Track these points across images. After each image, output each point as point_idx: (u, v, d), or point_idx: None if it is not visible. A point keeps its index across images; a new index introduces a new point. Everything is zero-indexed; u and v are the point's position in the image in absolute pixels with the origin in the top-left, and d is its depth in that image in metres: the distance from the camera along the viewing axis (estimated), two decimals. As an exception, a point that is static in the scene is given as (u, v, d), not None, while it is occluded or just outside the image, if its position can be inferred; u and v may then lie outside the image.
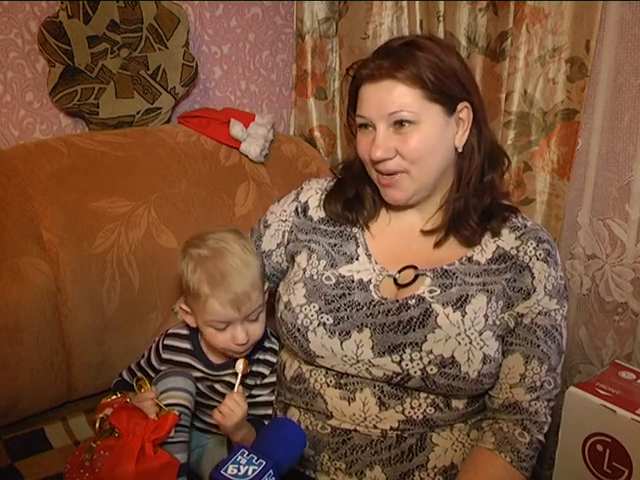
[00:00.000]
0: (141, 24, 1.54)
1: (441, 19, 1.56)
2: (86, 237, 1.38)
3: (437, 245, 1.20)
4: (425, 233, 1.21)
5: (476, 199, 1.18)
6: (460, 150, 1.17)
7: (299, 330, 1.17)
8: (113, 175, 1.45)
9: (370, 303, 1.16)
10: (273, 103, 1.91)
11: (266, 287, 1.24)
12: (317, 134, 1.87)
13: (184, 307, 1.22)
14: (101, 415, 1.12)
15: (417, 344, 1.11)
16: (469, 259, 1.19)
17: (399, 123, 1.12)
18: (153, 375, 1.23)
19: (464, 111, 1.16)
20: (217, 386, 1.23)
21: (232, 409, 1.10)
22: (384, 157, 1.13)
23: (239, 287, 1.15)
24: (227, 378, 1.22)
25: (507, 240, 1.19)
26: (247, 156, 1.62)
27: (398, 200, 1.19)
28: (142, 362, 1.28)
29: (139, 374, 1.25)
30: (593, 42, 1.36)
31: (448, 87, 1.13)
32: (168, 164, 1.52)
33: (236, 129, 1.60)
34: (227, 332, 1.17)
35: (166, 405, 1.11)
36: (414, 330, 1.12)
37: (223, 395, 1.21)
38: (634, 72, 1.35)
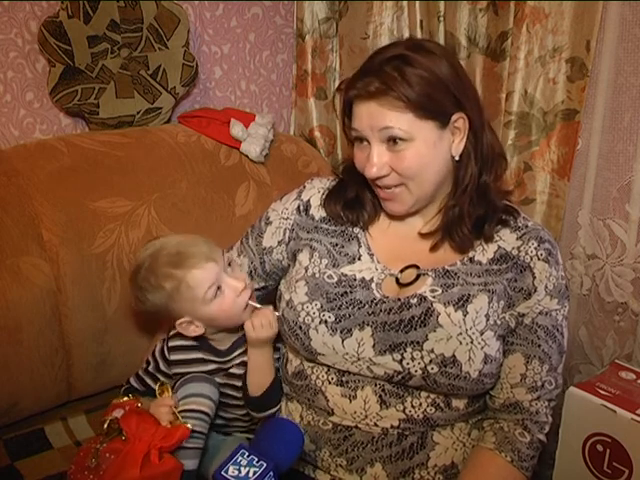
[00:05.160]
0: (141, 24, 1.54)
1: (441, 19, 1.56)
2: (86, 237, 1.37)
3: (433, 249, 1.20)
4: (423, 236, 1.22)
5: (472, 206, 1.18)
6: (457, 158, 1.16)
7: (300, 328, 1.17)
8: (113, 175, 1.44)
9: (372, 301, 1.16)
10: (273, 103, 1.91)
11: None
12: (317, 134, 1.87)
13: (183, 320, 1.19)
14: (110, 417, 1.12)
15: (418, 343, 1.11)
16: (471, 259, 1.19)
17: (392, 140, 1.12)
18: (165, 381, 1.22)
19: (459, 121, 1.14)
20: (233, 370, 1.22)
21: (263, 325, 1.17)
22: (379, 175, 1.14)
23: (196, 246, 1.18)
24: (239, 359, 1.22)
25: (508, 240, 1.19)
26: (247, 156, 1.62)
27: (397, 212, 1.20)
28: (150, 368, 1.26)
29: (162, 379, 1.24)
30: (593, 42, 1.36)
31: (440, 103, 1.11)
32: (168, 164, 1.52)
33: (236, 129, 1.60)
34: (225, 292, 1.17)
35: (186, 410, 1.11)
36: (415, 329, 1.12)
37: (240, 377, 1.21)
38: (634, 72, 1.35)
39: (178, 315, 1.19)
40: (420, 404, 1.15)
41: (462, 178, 1.17)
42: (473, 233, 1.18)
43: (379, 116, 1.11)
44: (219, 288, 1.17)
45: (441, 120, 1.12)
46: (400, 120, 1.10)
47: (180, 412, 1.11)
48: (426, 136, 1.11)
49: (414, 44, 1.15)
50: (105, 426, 1.10)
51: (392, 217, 1.24)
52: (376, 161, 1.13)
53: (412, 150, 1.11)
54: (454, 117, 1.13)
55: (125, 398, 1.19)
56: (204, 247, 1.19)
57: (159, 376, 1.25)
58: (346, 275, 1.20)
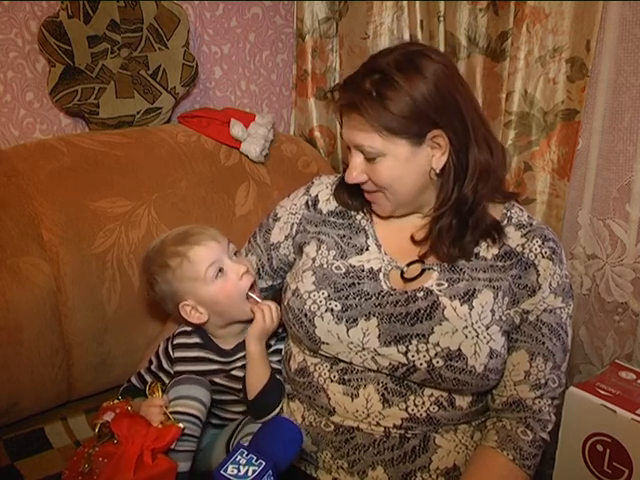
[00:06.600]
0: (141, 24, 1.54)
1: (441, 19, 1.56)
2: (86, 237, 1.38)
3: (422, 256, 1.20)
4: (415, 242, 1.22)
5: (456, 220, 1.17)
6: (437, 172, 1.16)
7: (306, 315, 1.17)
8: (113, 175, 1.45)
9: (379, 293, 1.17)
10: (273, 103, 1.91)
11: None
12: (317, 134, 1.88)
13: (186, 303, 1.21)
14: (101, 421, 1.11)
15: (424, 336, 1.12)
16: (476, 255, 1.19)
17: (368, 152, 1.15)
18: (166, 380, 1.22)
19: (439, 138, 1.13)
20: (234, 372, 1.22)
21: (273, 315, 1.20)
22: (356, 181, 1.18)
23: (203, 229, 1.23)
24: (241, 362, 1.22)
25: (513, 237, 1.20)
26: (247, 156, 1.62)
27: (381, 214, 1.23)
28: (153, 367, 1.27)
29: (163, 378, 1.24)
30: (593, 42, 1.36)
31: (415, 125, 1.11)
32: (168, 164, 1.52)
33: (236, 129, 1.60)
34: (227, 275, 1.19)
35: (176, 413, 1.10)
36: (421, 322, 1.13)
37: (241, 380, 1.21)
38: (634, 72, 1.35)
39: (182, 299, 1.21)
40: (423, 402, 1.15)
41: (443, 191, 1.17)
42: (456, 247, 1.17)
43: (352, 132, 1.15)
44: (221, 270, 1.19)
45: (415, 139, 1.12)
46: (371, 139, 1.12)
47: (170, 413, 1.10)
48: (397, 152, 1.13)
49: (407, 58, 1.12)
50: (96, 430, 1.10)
51: None
52: (353, 170, 1.17)
53: (384, 164, 1.14)
54: (430, 134, 1.12)
55: (115, 401, 1.17)
56: (210, 230, 1.23)
57: (161, 375, 1.25)
58: (354, 266, 1.21)
